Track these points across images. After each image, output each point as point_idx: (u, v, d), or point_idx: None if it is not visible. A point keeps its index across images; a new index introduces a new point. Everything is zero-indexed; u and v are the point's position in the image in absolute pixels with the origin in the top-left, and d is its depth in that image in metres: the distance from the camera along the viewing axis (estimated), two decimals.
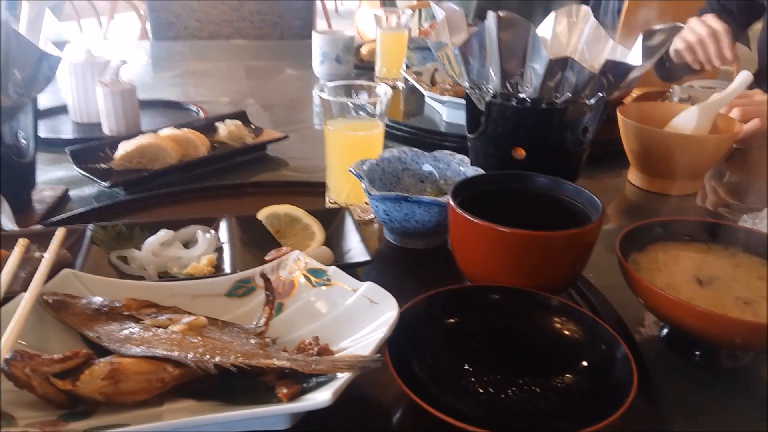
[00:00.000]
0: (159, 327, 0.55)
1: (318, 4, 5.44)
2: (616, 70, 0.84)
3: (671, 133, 0.99)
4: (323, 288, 0.62)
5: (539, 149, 0.94)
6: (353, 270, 0.72)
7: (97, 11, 5.61)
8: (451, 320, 0.59)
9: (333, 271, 0.63)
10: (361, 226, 0.85)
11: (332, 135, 0.87)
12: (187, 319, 0.55)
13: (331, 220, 0.81)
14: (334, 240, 0.78)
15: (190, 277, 0.69)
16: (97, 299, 0.58)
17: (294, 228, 0.79)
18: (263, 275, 0.63)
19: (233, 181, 1.02)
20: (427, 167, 0.88)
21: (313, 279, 0.63)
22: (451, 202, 0.66)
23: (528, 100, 0.89)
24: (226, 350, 0.51)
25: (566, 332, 0.58)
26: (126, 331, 0.54)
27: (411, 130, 1.23)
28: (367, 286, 0.59)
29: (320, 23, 5.50)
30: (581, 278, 0.73)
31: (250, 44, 2.25)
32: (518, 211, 0.72)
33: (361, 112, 0.86)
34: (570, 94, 0.88)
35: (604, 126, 0.99)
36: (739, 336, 0.58)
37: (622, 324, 0.67)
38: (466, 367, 0.57)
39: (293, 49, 2.07)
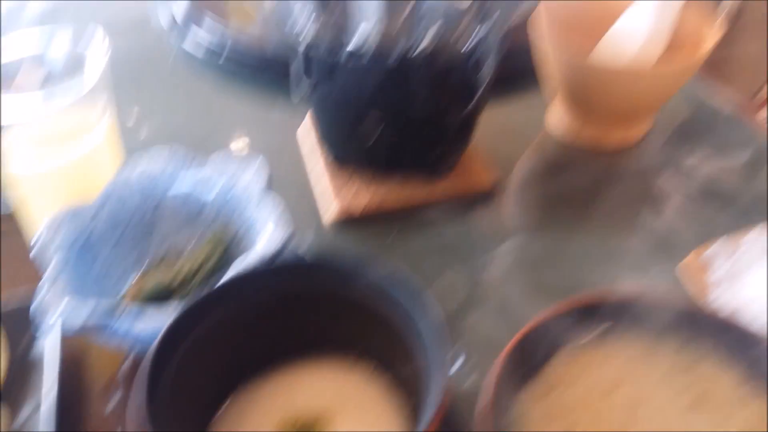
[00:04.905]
0: None
1: None
2: None
3: (607, 69, 0.62)
4: None
5: (399, 119, 0.58)
6: None
7: None
8: None
9: None
10: None
11: None
12: None
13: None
14: (23, 371, 0.45)
15: None
16: None
17: None
18: None
19: None
20: (198, 193, 0.52)
21: None
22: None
23: (362, 54, 0.53)
24: None
25: None
26: None
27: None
28: None
29: None
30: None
31: None
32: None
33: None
34: (432, 40, 0.51)
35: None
36: None
37: None
38: None
39: None
